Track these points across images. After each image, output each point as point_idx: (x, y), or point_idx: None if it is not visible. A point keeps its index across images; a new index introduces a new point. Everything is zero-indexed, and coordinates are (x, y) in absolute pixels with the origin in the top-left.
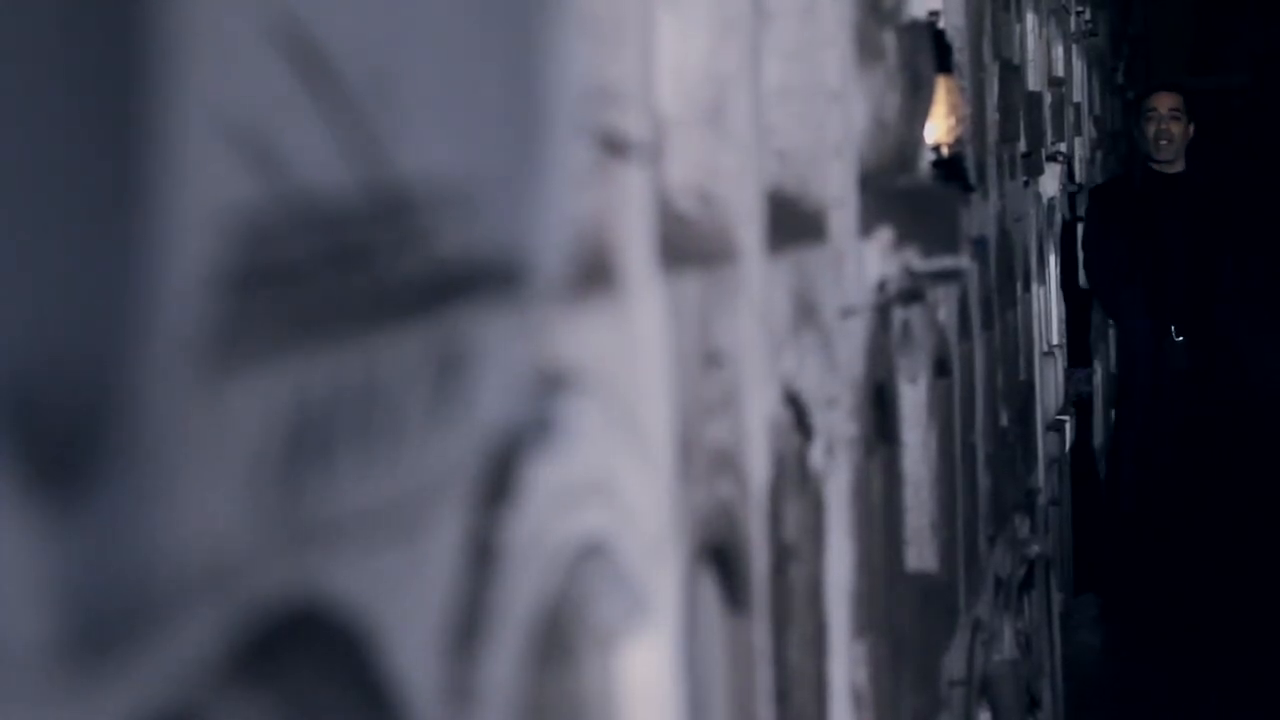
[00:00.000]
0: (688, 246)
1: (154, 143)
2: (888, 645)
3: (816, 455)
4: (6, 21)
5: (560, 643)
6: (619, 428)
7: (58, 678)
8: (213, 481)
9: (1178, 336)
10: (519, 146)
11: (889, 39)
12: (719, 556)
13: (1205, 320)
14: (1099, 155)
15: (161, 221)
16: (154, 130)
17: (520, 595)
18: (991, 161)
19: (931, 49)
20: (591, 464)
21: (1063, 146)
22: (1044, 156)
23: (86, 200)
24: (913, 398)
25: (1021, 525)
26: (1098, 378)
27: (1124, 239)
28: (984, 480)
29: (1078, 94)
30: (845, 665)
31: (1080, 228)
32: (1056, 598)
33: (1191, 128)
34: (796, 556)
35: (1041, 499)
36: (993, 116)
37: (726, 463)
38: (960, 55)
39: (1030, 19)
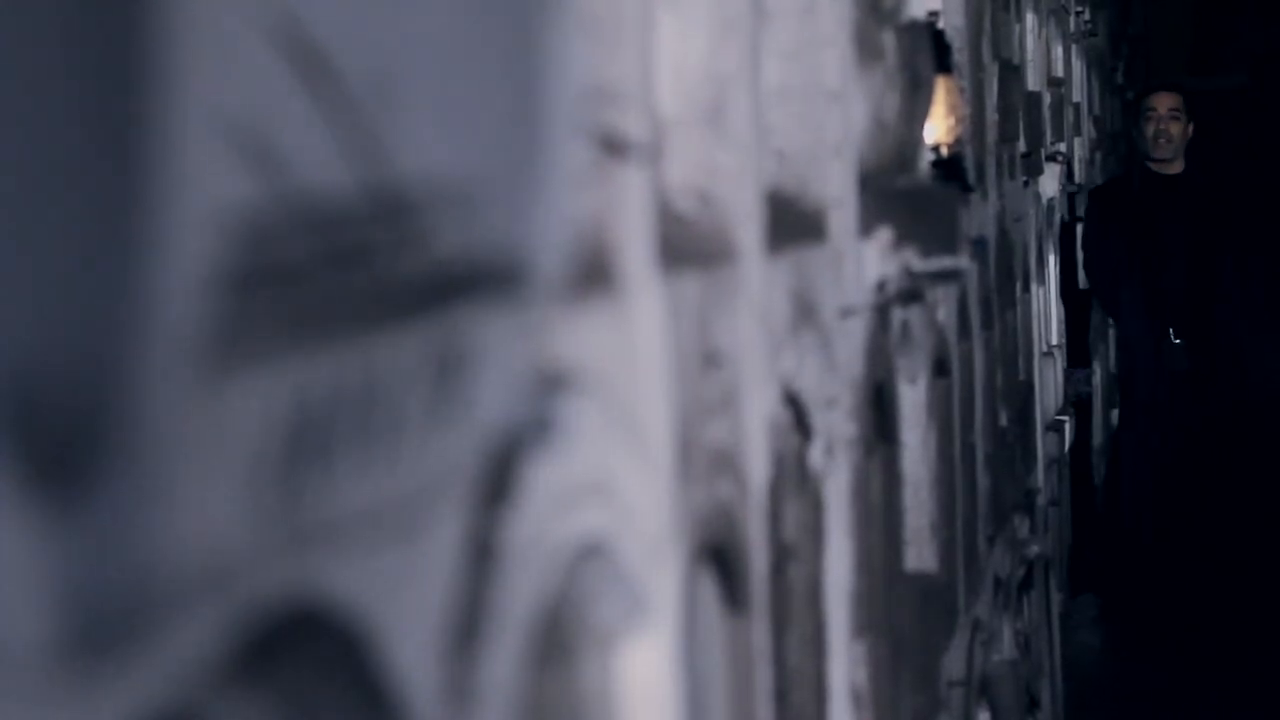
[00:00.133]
0: (687, 247)
1: (154, 143)
2: (887, 645)
3: (816, 455)
4: (6, 21)
5: (560, 643)
6: (618, 428)
7: (58, 678)
8: (212, 482)
9: (1176, 339)
10: (518, 146)
11: (888, 39)
12: (718, 556)
13: (1205, 321)
14: (1098, 155)
15: (161, 221)
16: (154, 130)
17: (520, 595)
18: (991, 162)
19: (931, 49)
20: (591, 464)
21: (1062, 147)
22: (1043, 157)
23: (86, 200)
24: (912, 398)
25: (1021, 525)
26: (1097, 378)
27: (1123, 239)
28: (983, 480)
29: (1077, 94)
30: (844, 665)
31: (1079, 228)
32: (1056, 598)
33: (1191, 128)
34: (796, 557)
35: (1041, 499)
36: (992, 117)
37: (726, 463)
38: (959, 55)
39: (1030, 19)
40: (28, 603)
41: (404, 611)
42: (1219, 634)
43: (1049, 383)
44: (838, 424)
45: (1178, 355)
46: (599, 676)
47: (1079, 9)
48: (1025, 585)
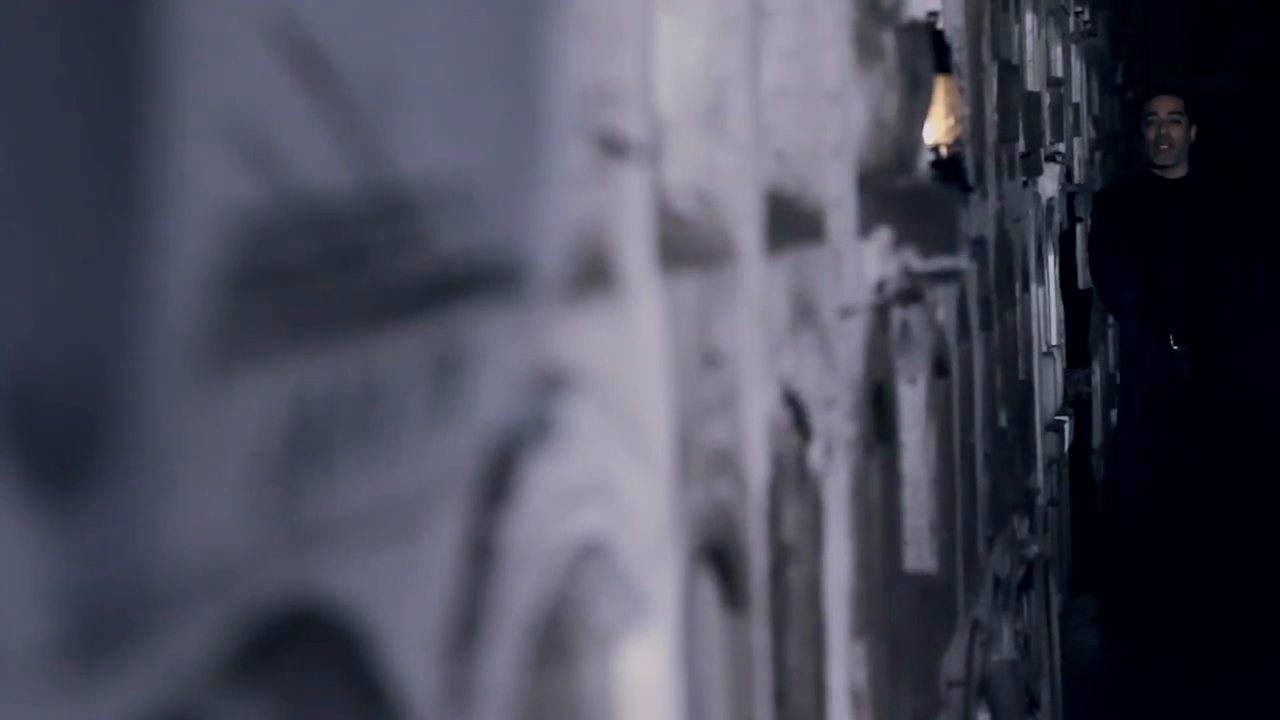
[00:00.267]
0: (686, 247)
1: (154, 143)
2: (886, 646)
3: (815, 455)
4: (6, 21)
5: (559, 643)
6: (618, 428)
7: (58, 678)
8: (212, 482)
9: (1176, 346)
10: (518, 147)
11: (888, 39)
12: (718, 557)
13: (1207, 326)
14: (1098, 156)
15: (161, 221)
16: (154, 130)
17: (519, 595)
18: (990, 162)
19: (930, 49)
20: (590, 464)
21: (1061, 147)
22: (1043, 157)
23: (86, 200)
24: (911, 398)
25: (1020, 525)
26: (1097, 378)
27: (1125, 241)
28: (983, 480)
29: (1076, 94)
30: (844, 665)
31: (1079, 229)
32: (1055, 598)
33: (1193, 130)
34: (795, 557)
35: (1040, 499)
36: (991, 117)
37: (725, 463)
38: (959, 55)
39: (1029, 19)
40: (27, 603)
41: (403, 611)
42: (1219, 634)
43: (1049, 383)
44: (837, 424)
45: (1179, 361)
46: (598, 676)
47: (1078, 9)
48: (1025, 585)
